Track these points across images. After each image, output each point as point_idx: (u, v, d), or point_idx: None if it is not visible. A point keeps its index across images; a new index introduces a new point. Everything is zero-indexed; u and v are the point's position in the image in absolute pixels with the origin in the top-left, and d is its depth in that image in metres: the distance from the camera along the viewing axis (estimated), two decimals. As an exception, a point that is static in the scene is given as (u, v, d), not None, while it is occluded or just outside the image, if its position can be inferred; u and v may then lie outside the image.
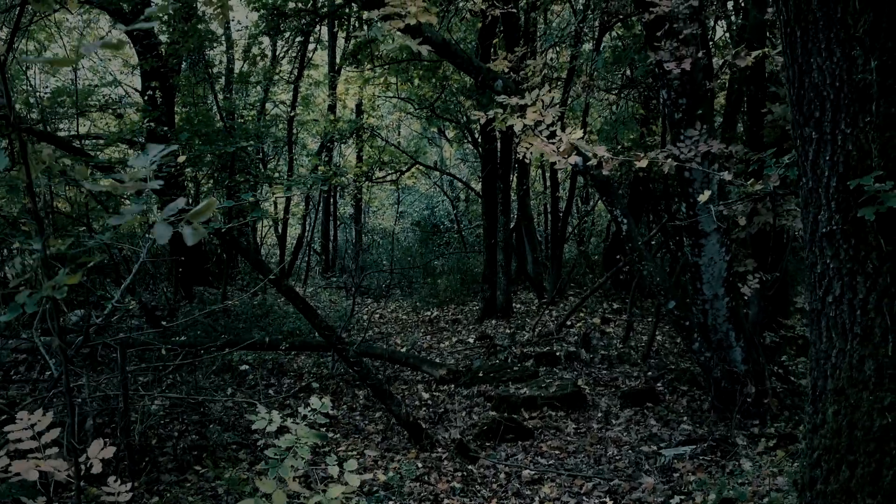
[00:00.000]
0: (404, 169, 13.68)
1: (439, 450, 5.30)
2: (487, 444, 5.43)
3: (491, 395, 6.48)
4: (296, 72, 13.05)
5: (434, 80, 11.13)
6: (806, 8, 1.95)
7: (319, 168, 14.42)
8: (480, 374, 6.91)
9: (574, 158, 4.61)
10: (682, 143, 4.92)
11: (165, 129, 10.25)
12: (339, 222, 18.04)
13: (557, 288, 11.85)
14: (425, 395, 6.95)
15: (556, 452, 5.23)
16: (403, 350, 9.01)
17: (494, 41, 9.12)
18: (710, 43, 5.33)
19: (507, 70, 5.07)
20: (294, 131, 14.35)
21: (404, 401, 6.86)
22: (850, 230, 1.88)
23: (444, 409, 6.41)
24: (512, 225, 11.78)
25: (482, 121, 4.91)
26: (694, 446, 4.85)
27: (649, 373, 7.20)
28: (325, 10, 8.52)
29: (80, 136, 13.51)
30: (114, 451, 2.01)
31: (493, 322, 10.47)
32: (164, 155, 1.50)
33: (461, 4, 8.41)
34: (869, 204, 1.80)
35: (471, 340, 9.56)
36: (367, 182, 13.79)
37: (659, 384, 6.78)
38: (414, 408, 6.55)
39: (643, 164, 3.11)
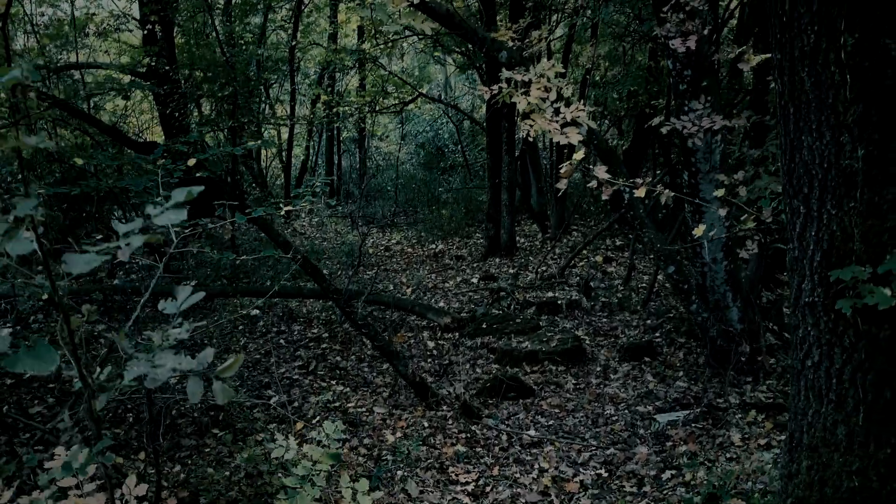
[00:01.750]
0: (408, 99, 13.52)
1: (444, 408, 5.58)
2: (490, 401, 5.70)
3: (494, 347, 6.73)
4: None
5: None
6: (800, 88, 1.99)
7: (322, 97, 14.28)
8: (484, 326, 7.14)
9: (576, 137, 4.64)
10: (685, 117, 4.93)
11: (166, 67, 10.12)
12: (342, 148, 17.95)
13: (560, 222, 11.96)
14: (430, 345, 7.21)
15: (556, 411, 5.51)
16: (409, 294, 9.24)
17: (499, 15, 8.89)
18: (720, 14, 5.22)
19: (511, 40, 5.01)
20: (296, 58, 14.12)
21: (410, 349, 7.14)
22: (830, 304, 2.00)
23: (449, 361, 6.68)
24: (516, 153, 11.75)
25: (487, 96, 4.91)
26: (687, 412, 5.11)
27: (648, 321, 7.43)
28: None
29: (79, 65, 13.32)
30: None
31: (497, 261, 10.66)
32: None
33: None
34: (847, 294, 1.91)
35: (475, 280, 9.78)
36: (370, 112, 13.65)
37: (657, 334, 7.02)
38: (420, 358, 6.82)
39: (641, 193, 3.17)
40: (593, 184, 3.01)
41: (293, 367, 6.68)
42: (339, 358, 6.92)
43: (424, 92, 15.03)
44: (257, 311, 8.52)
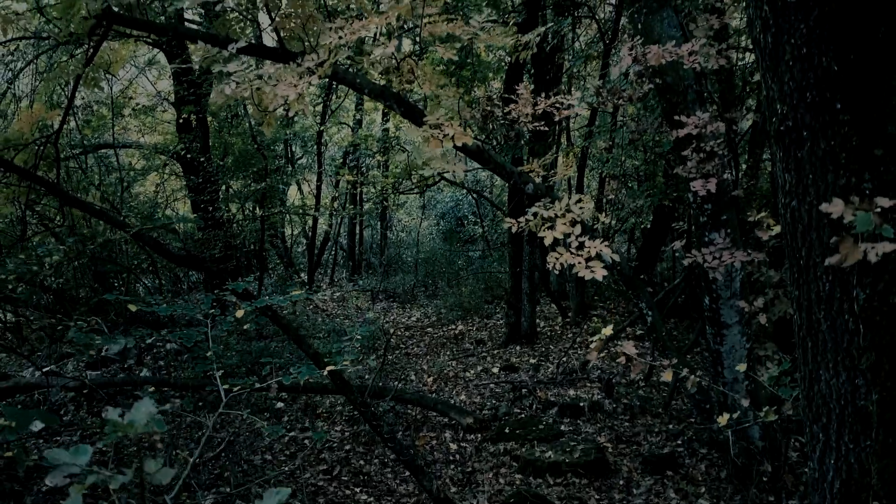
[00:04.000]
0: (430, 183, 13.87)
1: (468, 525, 5.63)
2: (514, 519, 5.75)
3: (517, 455, 6.79)
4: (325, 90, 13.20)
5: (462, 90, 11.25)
6: (817, 327, 2.15)
7: (347, 177, 14.65)
8: (507, 431, 7.21)
9: (601, 272, 4.81)
10: (706, 249, 5.10)
11: (200, 158, 10.52)
12: (364, 220, 18.25)
13: (580, 307, 12.07)
14: (453, 447, 7.28)
15: (579, 532, 5.54)
16: (431, 383, 9.35)
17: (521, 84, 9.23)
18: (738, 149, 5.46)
19: (538, 175, 5.25)
20: (322, 140, 14.57)
21: (433, 452, 7.22)
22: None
23: (472, 469, 6.74)
24: (537, 242, 11.96)
25: (514, 229, 5.12)
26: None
27: (671, 425, 7.46)
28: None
29: (115, 144, 13.81)
30: None
31: (518, 348, 10.76)
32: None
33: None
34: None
35: (496, 370, 9.87)
36: (393, 192, 13.99)
37: (679, 442, 7.04)
38: (442, 464, 6.89)
39: (668, 377, 3.33)
40: (621, 359, 3.16)
41: (318, 471, 6.76)
42: (362, 462, 7.00)
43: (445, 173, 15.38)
44: (281, 404, 8.69)
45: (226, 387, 3.28)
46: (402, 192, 14.31)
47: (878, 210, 1.68)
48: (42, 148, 6.30)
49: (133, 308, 3.62)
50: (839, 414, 2.13)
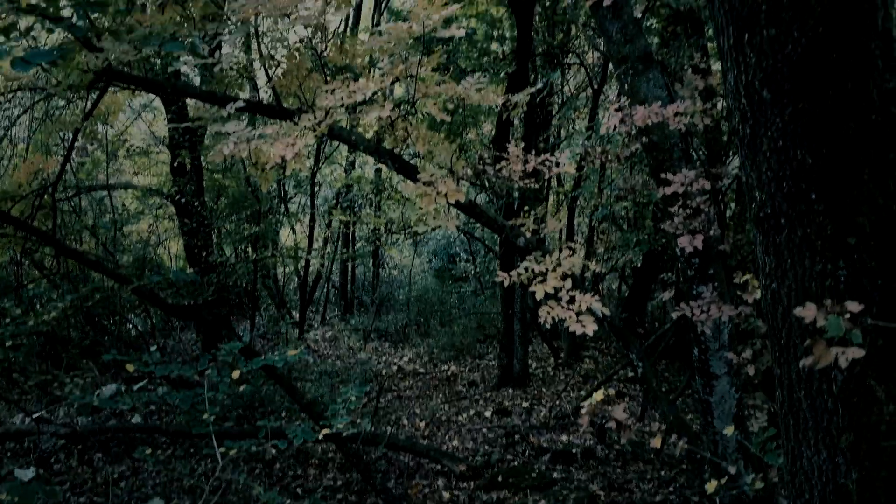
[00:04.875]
0: (422, 232, 14.01)
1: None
2: (507, 571, 5.74)
3: None
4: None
5: (455, 146, 11.42)
6: (798, 405, 2.23)
7: (340, 217, 14.77)
8: (500, 479, 7.22)
9: (591, 326, 4.90)
10: (694, 303, 5.19)
11: (195, 202, 10.62)
12: (356, 260, 18.31)
13: (572, 348, 12.13)
14: (446, 495, 7.26)
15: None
16: (423, 428, 9.35)
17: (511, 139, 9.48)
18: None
19: (529, 230, 5.36)
20: (316, 180, 14.72)
21: (426, 501, 7.20)
22: None
23: (465, 519, 6.74)
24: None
25: (506, 283, 5.21)
26: None
27: (662, 472, 7.49)
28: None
29: (108, 185, 13.88)
30: None
31: (510, 391, 10.78)
32: None
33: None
34: None
35: (488, 414, 9.88)
36: (385, 233, 14.11)
37: (671, 489, 7.07)
38: (436, 513, 6.89)
39: (657, 444, 3.41)
40: (611, 424, 3.23)
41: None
42: (355, 511, 6.98)
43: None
44: (273, 451, 8.65)
45: (222, 450, 3.32)
46: (395, 235, 14.42)
47: (848, 315, 1.78)
48: (39, 199, 6.39)
49: (131, 368, 3.67)
50: (821, 491, 2.20)
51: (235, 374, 3.68)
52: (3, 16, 3.28)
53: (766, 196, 2.26)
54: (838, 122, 2.13)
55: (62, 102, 9.30)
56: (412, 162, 5.65)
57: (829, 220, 2.14)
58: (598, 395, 3.19)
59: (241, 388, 4.24)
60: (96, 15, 4.98)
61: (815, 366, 1.73)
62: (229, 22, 5.12)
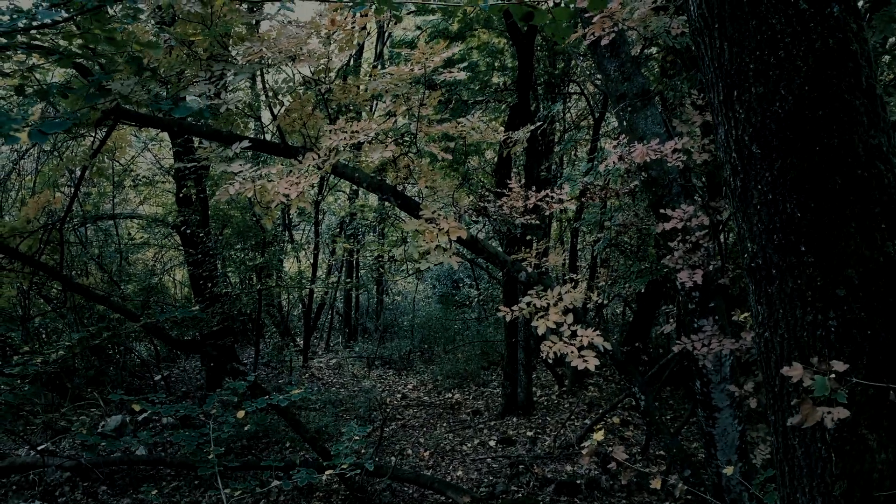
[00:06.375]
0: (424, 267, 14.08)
1: None
2: None
3: (514, 536, 6.78)
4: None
5: (456, 181, 11.54)
6: (792, 453, 2.27)
7: (343, 245, 14.85)
8: (504, 511, 7.22)
9: (593, 361, 4.94)
10: (695, 336, 5.24)
11: (200, 233, 10.71)
12: (360, 287, 18.39)
13: (576, 376, 12.12)
14: (450, 528, 7.26)
15: None
16: (427, 458, 9.34)
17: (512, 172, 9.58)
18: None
19: (531, 265, 5.42)
20: (320, 208, 14.83)
21: (430, 533, 7.20)
22: None
23: (469, 551, 6.72)
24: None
25: (508, 318, 5.26)
26: None
27: (666, 503, 7.47)
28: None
29: (114, 215, 14.01)
30: None
31: (515, 420, 10.76)
32: None
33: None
34: None
35: (492, 444, 9.86)
36: (388, 261, 14.17)
37: (676, 521, 7.05)
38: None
39: (657, 485, 3.44)
40: (612, 465, 3.26)
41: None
42: (359, 544, 6.97)
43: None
44: (278, 483, 8.64)
45: (227, 491, 3.36)
46: (397, 260, 14.48)
47: (833, 375, 1.83)
48: (47, 234, 6.47)
49: (137, 408, 3.72)
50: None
51: (241, 413, 3.72)
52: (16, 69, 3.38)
53: (757, 247, 2.32)
54: (825, 177, 2.19)
55: (69, 139, 9.45)
56: (414, 196, 5.74)
57: (818, 271, 2.20)
58: (598, 436, 3.23)
59: (246, 428, 4.26)
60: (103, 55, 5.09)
61: (803, 425, 1.78)
62: (235, 62, 5.23)
